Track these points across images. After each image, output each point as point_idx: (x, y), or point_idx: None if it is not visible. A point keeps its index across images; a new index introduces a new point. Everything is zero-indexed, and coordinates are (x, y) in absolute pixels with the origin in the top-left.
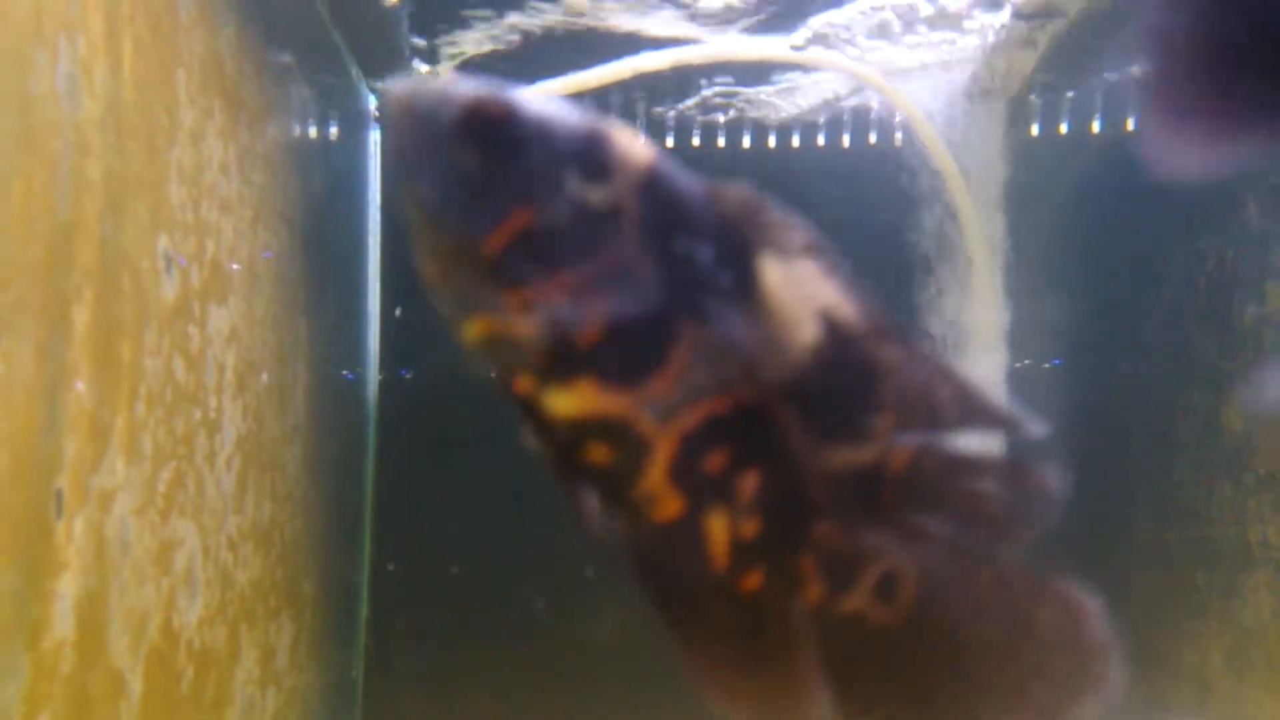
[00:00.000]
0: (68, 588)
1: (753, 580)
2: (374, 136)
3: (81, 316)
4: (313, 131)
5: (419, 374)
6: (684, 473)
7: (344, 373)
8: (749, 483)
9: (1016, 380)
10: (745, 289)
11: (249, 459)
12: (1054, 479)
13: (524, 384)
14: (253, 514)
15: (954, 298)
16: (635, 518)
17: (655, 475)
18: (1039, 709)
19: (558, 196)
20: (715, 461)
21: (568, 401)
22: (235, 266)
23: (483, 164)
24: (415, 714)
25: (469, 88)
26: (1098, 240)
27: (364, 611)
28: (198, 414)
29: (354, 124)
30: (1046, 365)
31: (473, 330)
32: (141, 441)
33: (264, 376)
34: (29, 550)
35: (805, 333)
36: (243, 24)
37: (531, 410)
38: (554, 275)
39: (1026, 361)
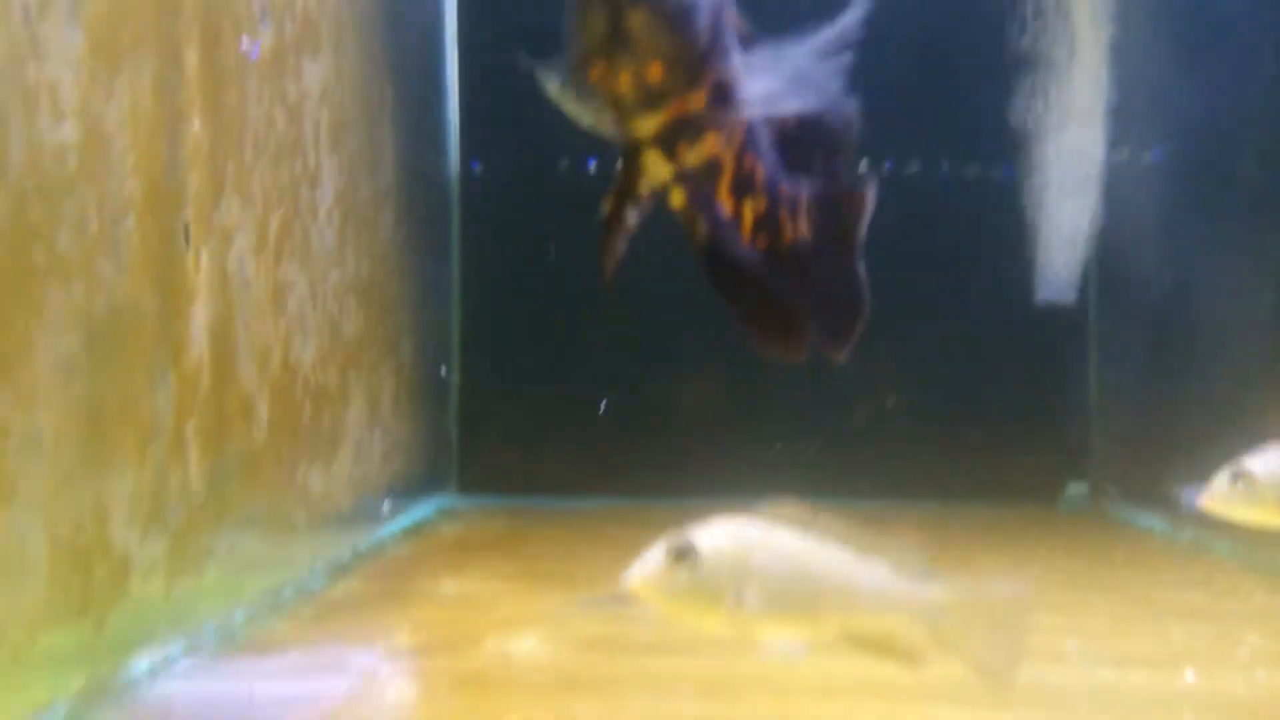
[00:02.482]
0: (200, 314)
1: (763, 239)
2: None
3: (192, 58)
4: None
5: (499, 159)
6: (737, 181)
7: (425, 139)
8: (759, 178)
9: (1114, 169)
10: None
11: (347, 215)
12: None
13: (683, 148)
14: (353, 268)
15: (1057, 84)
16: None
17: (725, 185)
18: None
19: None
20: (747, 169)
21: (700, 151)
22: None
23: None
24: (506, 468)
25: None
26: (1211, 32)
27: (456, 374)
28: (299, 166)
29: None
30: (1146, 156)
31: (658, 119)
32: (252, 187)
33: (355, 135)
34: (166, 275)
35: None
36: None
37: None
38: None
39: (1125, 152)
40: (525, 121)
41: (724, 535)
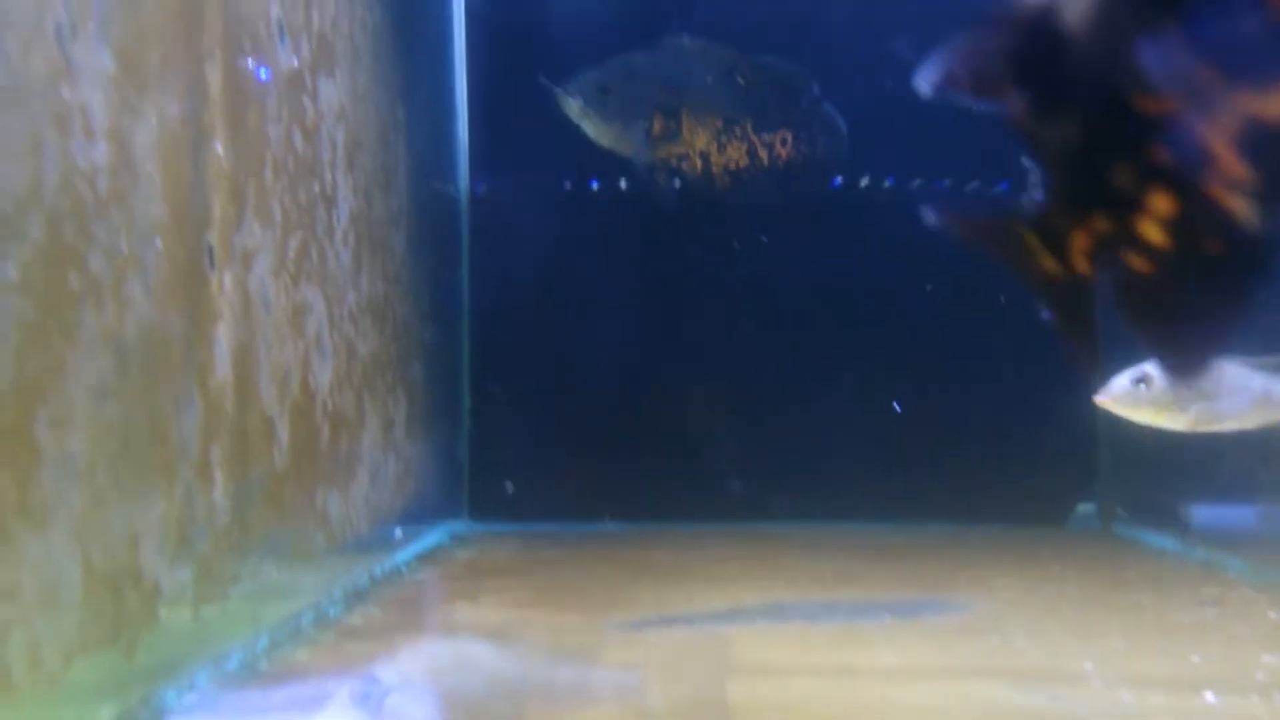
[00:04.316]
0: (224, 336)
1: None
2: None
3: (215, 78)
4: None
5: (503, 180)
6: None
7: (435, 159)
8: None
9: None
10: None
11: (362, 236)
12: None
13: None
14: (368, 290)
15: None
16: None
17: None
18: None
19: None
20: None
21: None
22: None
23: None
24: (517, 491)
25: None
26: None
27: (467, 398)
28: (316, 186)
29: None
30: None
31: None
32: (272, 208)
33: (370, 155)
34: (192, 298)
35: None
36: None
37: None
38: None
39: None
40: (529, 142)
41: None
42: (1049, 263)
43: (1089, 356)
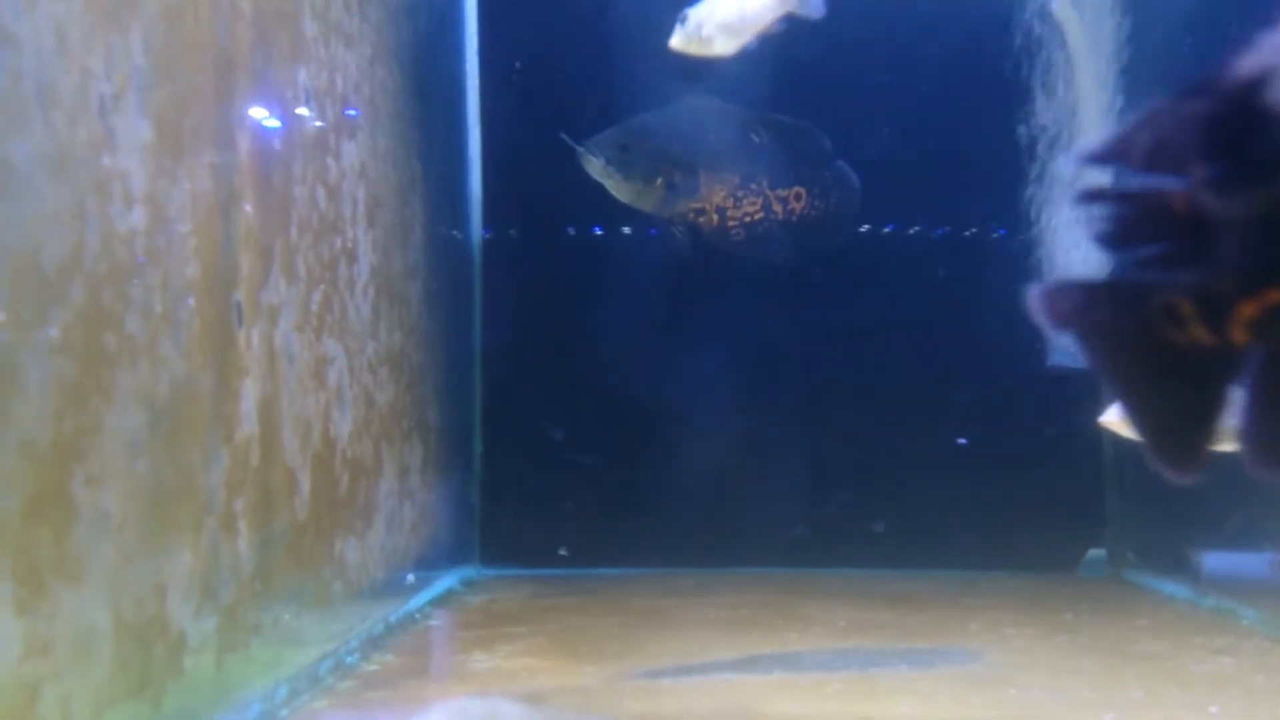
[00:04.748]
0: (250, 390)
1: None
2: None
3: (244, 142)
4: None
5: (516, 229)
6: None
7: (450, 213)
8: None
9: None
10: None
11: (380, 289)
12: None
13: None
14: (386, 341)
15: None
16: None
17: None
18: None
19: None
20: None
21: None
22: (354, 113)
23: None
24: (528, 537)
25: None
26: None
27: (478, 444)
28: (338, 242)
29: None
30: None
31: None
32: (296, 264)
33: (388, 211)
34: (221, 354)
35: None
36: None
37: None
38: None
39: None
40: (540, 192)
41: None
42: (1199, 332)
43: (1200, 435)
